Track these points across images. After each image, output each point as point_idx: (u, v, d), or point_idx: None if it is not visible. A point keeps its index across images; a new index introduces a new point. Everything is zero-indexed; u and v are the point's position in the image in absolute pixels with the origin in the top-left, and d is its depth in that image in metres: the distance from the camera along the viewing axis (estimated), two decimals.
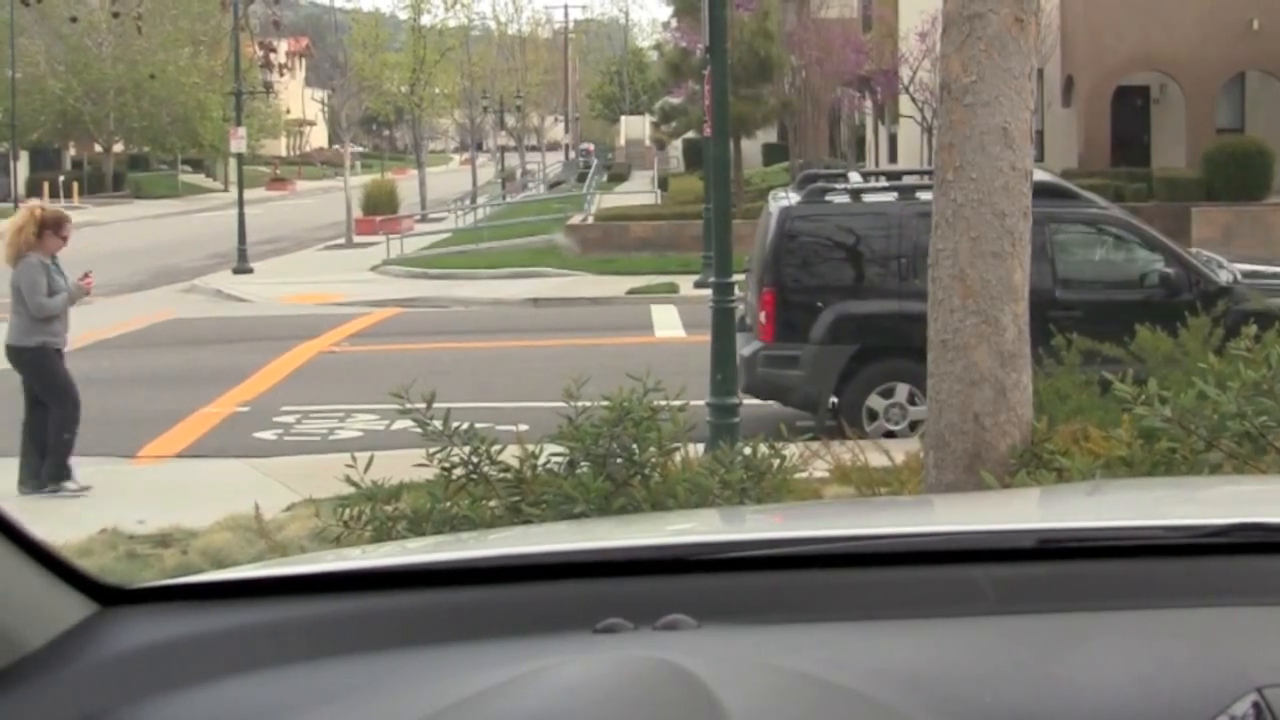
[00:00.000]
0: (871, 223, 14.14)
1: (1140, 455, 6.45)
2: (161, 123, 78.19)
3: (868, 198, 14.38)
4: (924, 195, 13.20)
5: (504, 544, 2.76)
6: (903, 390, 13.51)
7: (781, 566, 2.07)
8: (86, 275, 12.87)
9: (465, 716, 1.62)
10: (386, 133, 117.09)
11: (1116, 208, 15.91)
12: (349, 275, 35.13)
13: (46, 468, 12.37)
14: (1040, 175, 15.91)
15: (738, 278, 13.27)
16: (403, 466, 7.60)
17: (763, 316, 14.02)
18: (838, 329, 13.76)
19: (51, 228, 12.57)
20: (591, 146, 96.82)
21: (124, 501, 11.71)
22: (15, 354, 12.55)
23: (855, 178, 15.30)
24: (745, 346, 13.96)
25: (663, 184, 52.98)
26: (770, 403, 14.38)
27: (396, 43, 63.33)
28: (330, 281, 33.67)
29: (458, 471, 6.72)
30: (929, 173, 14.44)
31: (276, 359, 20.92)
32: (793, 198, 14.53)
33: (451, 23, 67.10)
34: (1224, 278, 14.09)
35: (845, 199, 14.39)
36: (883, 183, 14.50)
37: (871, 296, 13.94)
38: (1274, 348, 6.41)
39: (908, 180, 15.47)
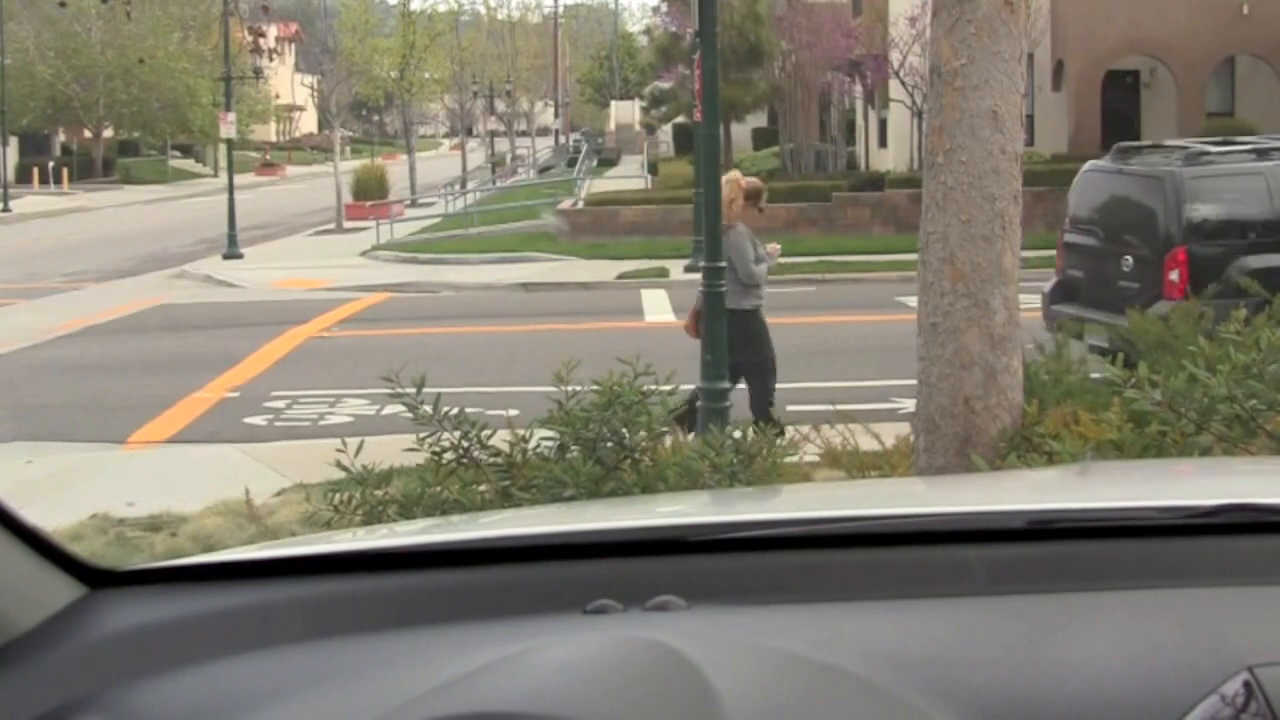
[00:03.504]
0: (1253, 183, 15.18)
1: (1130, 438, 6.46)
2: (151, 108, 78.12)
3: (1242, 162, 15.47)
4: None
5: (494, 526, 2.76)
6: None
7: (772, 547, 2.07)
8: (774, 244, 13.37)
9: (455, 697, 1.62)
10: (376, 118, 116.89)
11: None
12: (339, 260, 35.10)
13: (755, 415, 12.25)
14: None
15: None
16: (393, 451, 7.60)
17: (1175, 275, 14.54)
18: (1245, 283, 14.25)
19: (752, 198, 12.87)
20: (581, 134, 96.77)
21: (114, 487, 11.70)
22: (729, 317, 12.51)
23: (1197, 147, 16.05)
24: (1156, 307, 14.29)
25: (653, 169, 52.91)
26: None
27: (386, 28, 63.25)
28: (320, 267, 33.65)
29: (448, 456, 6.72)
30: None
31: (266, 344, 20.91)
32: (1170, 163, 15.38)
33: (441, 7, 67.28)
34: None
35: (1226, 163, 15.39)
36: (1240, 147, 15.88)
37: (1268, 251, 14.88)
38: (1264, 331, 6.42)
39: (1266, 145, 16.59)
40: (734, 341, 12.70)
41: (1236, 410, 6.16)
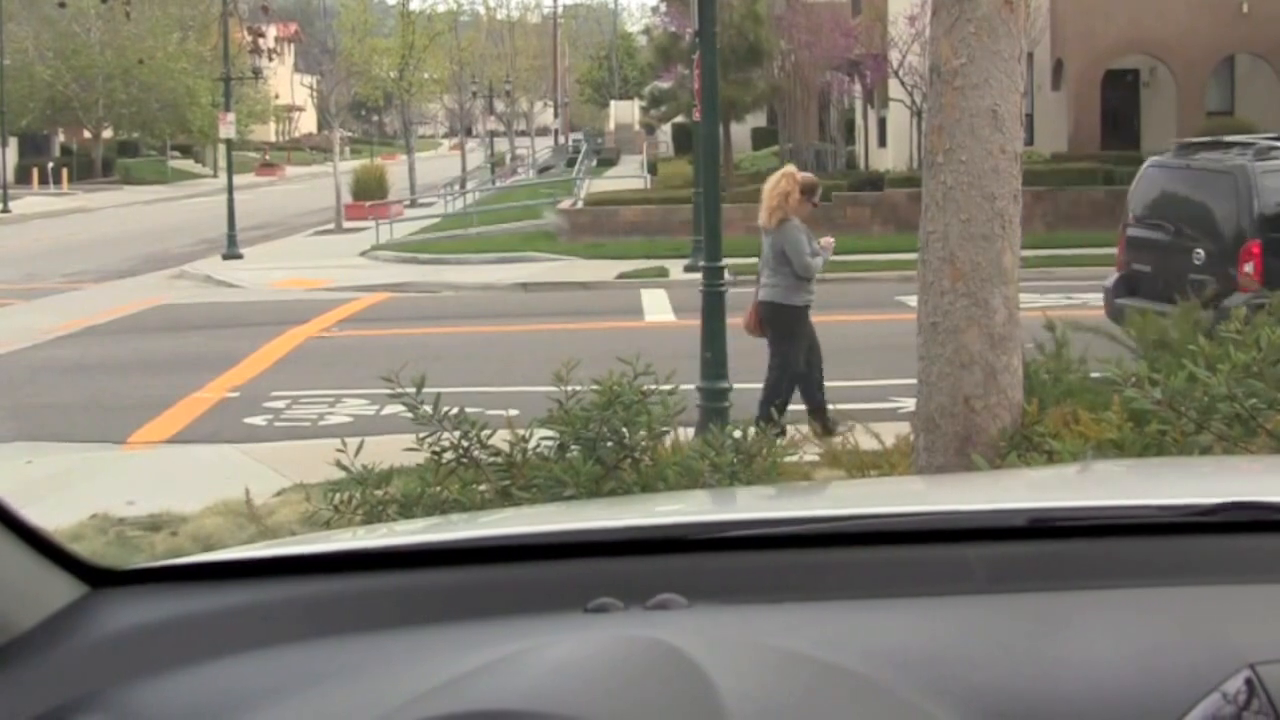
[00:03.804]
0: None
1: (1131, 437, 6.46)
2: (150, 109, 78.14)
3: None
4: None
5: (494, 525, 2.76)
6: None
7: (772, 546, 2.07)
8: (828, 238, 13.41)
9: (455, 695, 1.62)
10: (376, 118, 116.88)
11: None
12: (339, 260, 35.09)
13: (759, 411, 12.08)
14: None
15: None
16: (393, 451, 7.60)
17: (1249, 268, 14.98)
18: None
19: (808, 193, 12.94)
20: (581, 134, 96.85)
21: (115, 487, 11.69)
22: (778, 311, 12.78)
23: (1263, 142, 16.54)
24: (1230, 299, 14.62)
25: (652, 169, 52.91)
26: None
27: (385, 28, 63.28)
28: (320, 267, 33.65)
29: (448, 456, 6.72)
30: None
31: (266, 344, 20.90)
32: (1239, 158, 15.83)
33: (440, 8, 67.21)
34: None
35: None
36: None
37: None
38: (1264, 330, 6.42)
39: None
40: (776, 335, 12.76)
41: (1236, 409, 6.16)
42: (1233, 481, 2.86)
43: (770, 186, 13.02)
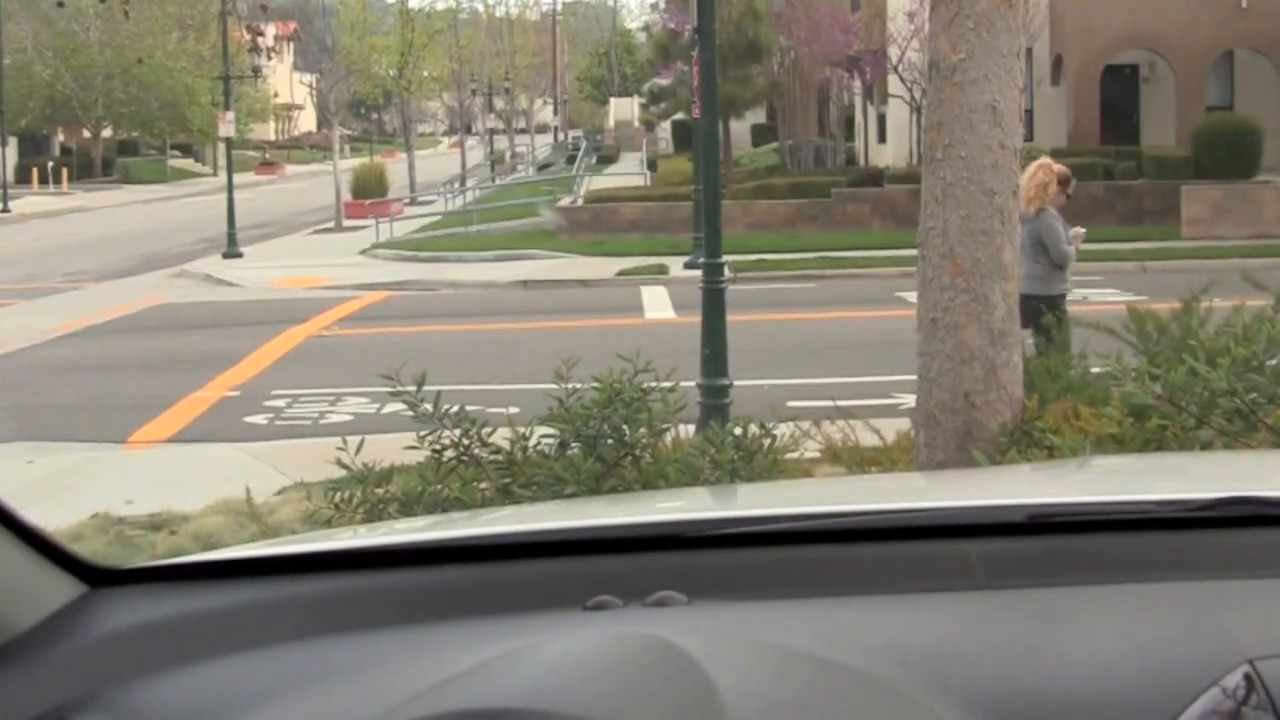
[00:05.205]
0: None
1: (1131, 433, 6.46)
2: (150, 108, 78.13)
3: None
4: None
5: (494, 523, 2.76)
6: None
7: (772, 542, 2.06)
8: (1079, 228, 13.47)
9: (454, 693, 1.62)
10: (375, 116, 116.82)
11: None
12: (339, 259, 35.09)
13: None
14: None
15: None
16: (394, 449, 7.60)
17: None
18: None
19: (1063, 184, 13.13)
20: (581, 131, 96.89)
21: (116, 487, 11.69)
22: (1038, 302, 12.62)
23: None
24: None
25: (652, 166, 52.89)
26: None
27: (384, 26, 63.29)
28: (320, 265, 33.64)
29: (448, 454, 6.73)
30: None
31: (267, 343, 20.90)
32: None
33: (439, 5, 67.19)
34: None
35: None
36: None
37: None
38: (1264, 325, 6.42)
39: None
40: (1038, 328, 12.76)
41: (1237, 404, 6.16)
42: (1231, 477, 2.85)
43: (1028, 177, 13.08)
